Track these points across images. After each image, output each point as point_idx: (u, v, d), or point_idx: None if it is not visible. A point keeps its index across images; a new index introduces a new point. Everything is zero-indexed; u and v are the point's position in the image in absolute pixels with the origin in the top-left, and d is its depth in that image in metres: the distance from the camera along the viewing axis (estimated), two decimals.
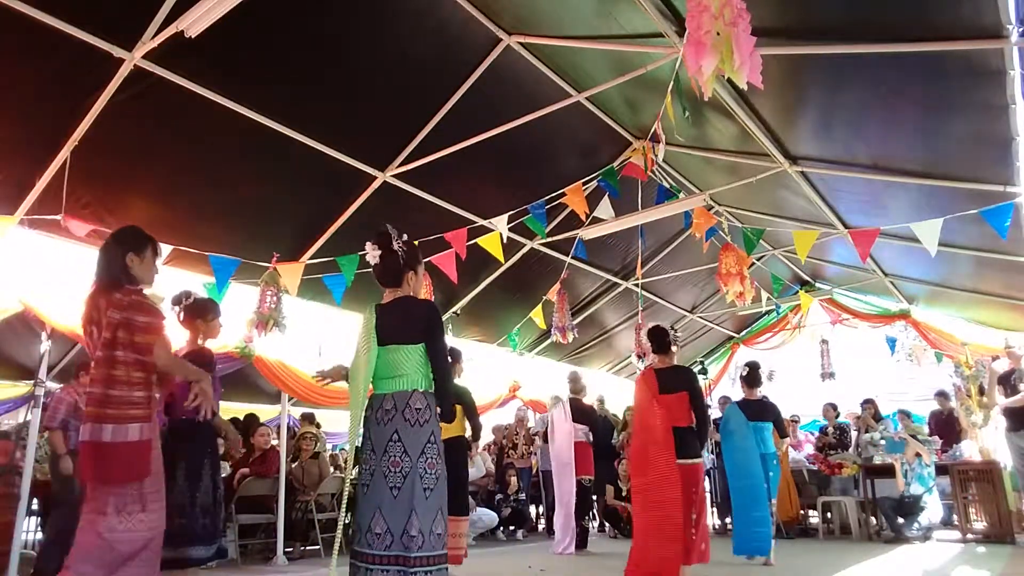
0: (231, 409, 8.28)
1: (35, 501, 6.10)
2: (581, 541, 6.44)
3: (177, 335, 4.24)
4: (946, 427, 7.82)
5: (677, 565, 3.91)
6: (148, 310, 2.73)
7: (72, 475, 5.27)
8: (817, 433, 8.71)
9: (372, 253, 2.85)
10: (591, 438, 6.79)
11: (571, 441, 6.53)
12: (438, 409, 2.78)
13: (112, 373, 2.55)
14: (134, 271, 2.81)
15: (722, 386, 10.70)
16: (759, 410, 5.60)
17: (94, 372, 2.58)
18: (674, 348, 4.50)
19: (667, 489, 4.01)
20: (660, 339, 4.47)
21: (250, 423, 7.41)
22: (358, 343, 2.83)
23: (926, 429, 7.72)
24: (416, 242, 2.96)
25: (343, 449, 10.45)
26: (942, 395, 8.18)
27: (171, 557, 3.54)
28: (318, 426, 8.18)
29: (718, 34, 2.26)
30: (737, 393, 6.29)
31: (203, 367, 3.85)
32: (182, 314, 3.92)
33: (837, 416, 8.48)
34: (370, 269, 2.94)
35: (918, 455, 6.79)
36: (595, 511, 8.64)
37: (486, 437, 9.69)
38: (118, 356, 2.57)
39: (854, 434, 8.30)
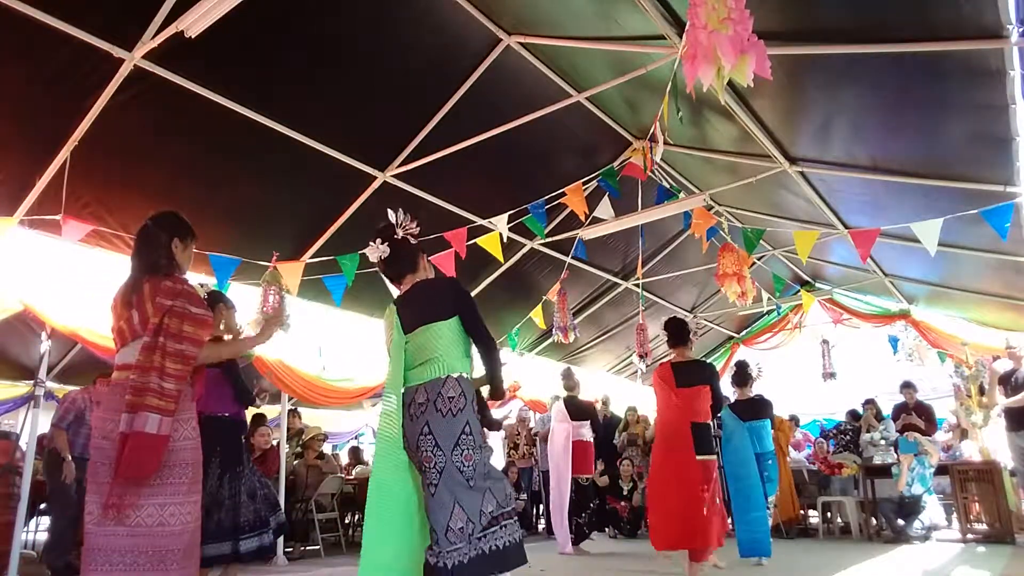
0: None
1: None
2: (577, 538, 6.44)
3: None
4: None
5: (710, 537, 3.93)
6: (201, 301, 2.57)
7: (71, 482, 5.28)
8: (832, 430, 8.67)
9: (380, 248, 2.65)
10: (591, 436, 6.75)
11: (567, 440, 6.51)
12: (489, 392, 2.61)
13: (152, 359, 2.38)
14: (177, 258, 2.65)
15: (722, 386, 10.69)
16: (753, 409, 5.59)
17: (139, 358, 2.38)
18: (693, 339, 4.44)
19: (690, 486, 3.99)
20: (679, 331, 4.36)
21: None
22: (387, 345, 2.66)
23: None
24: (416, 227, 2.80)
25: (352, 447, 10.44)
26: (907, 385, 7.99)
27: None
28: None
29: (707, 43, 2.26)
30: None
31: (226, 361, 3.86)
32: None
33: (856, 418, 8.41)
34: (370, 269, 2.83)
35: (917, 455, 6.79)
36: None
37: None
38: (159, 343, 2.40)
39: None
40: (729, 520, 5.58)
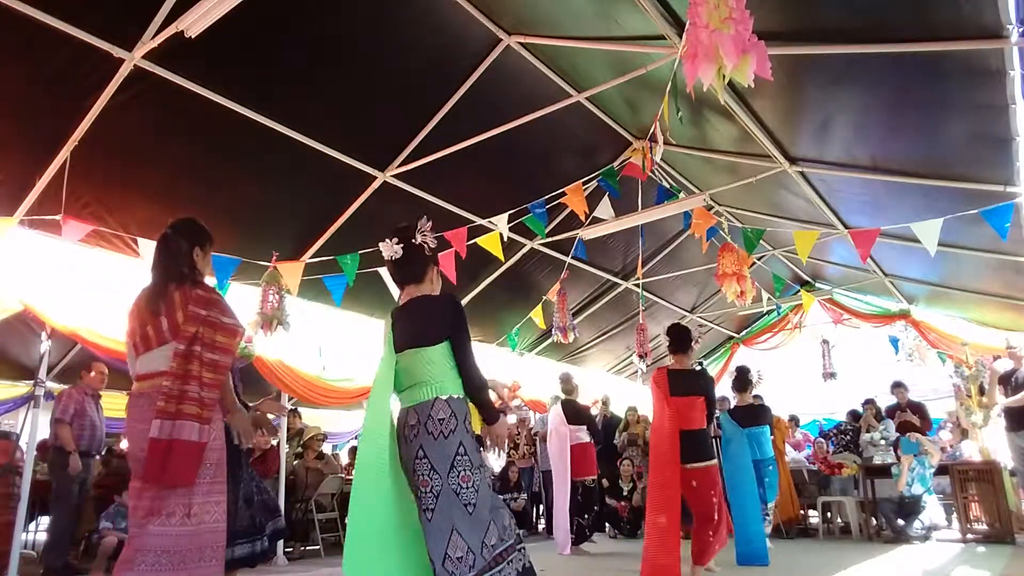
0: None
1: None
2: (577, 538, 6.42)
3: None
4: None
5: (676, 573, 3.89)
6: (230, 311, 2.63)
7: (77, 474, 5.29)
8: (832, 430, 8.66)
9: (393, 248, 2.57)
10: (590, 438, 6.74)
11: (565, 443, 6.51)
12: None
13: (189, 368, 2.44)
14: (198, 265, 2.71)
15: (722, 385, 10.71)
16: (752, 415, 5.57)
17: (174, 366, 2.42)
18: (694, 346, 4.42)
19: (667, 491, 3.98)
20: (680, 338, 4.34)
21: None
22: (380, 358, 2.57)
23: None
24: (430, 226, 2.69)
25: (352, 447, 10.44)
26: (898, 385, 8.00)
27: None
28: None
29: (709, 42, 2.25)
30: None
31: None
32: None
33: (856, 418, 8.42)
34: (370, 269, 2.79)
35: (917, 455, 6.79)
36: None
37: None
38: (195, 352, 2.46)
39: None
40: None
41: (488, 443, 2.64)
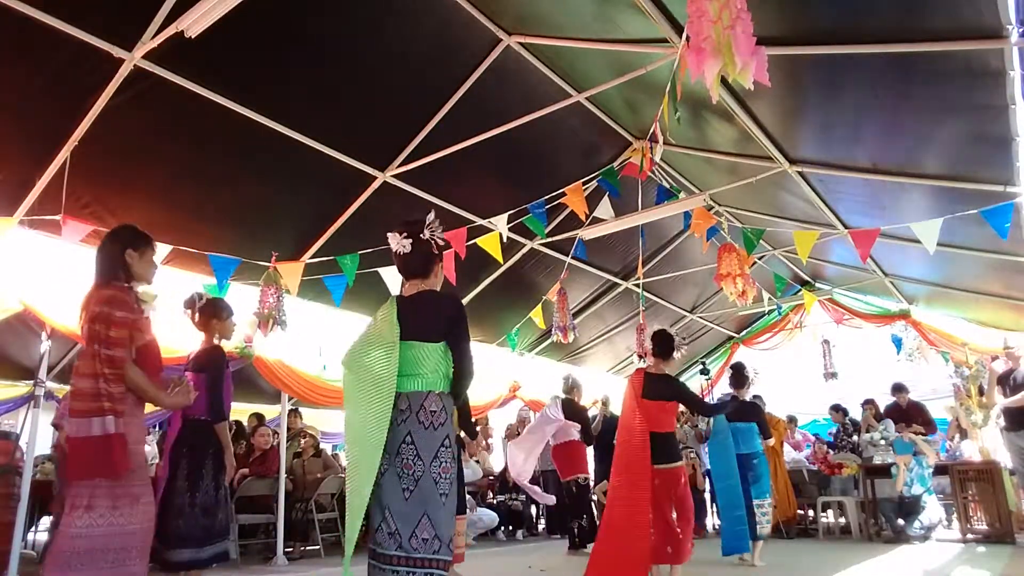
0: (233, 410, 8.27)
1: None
2: (580, 541, 6.35)
3: (188, 336, 4.20)
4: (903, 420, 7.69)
5: (644, 568, 3.93)
6: (126, 305, 2.66)
7: None
8: (824, 436, 8.67)
9: (402, 242, 2.65)
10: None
11: (541, 433, 6.49)
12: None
13: (92, 366, 2.52)
14: (134, 268, 2.78)
15: (722, 385, 10.69)
16: (740, 411, 5.64)
17: (78, 364, 2.55)
18: (676, 355, 4.49)
19: (637, 491, 4.02)
20: (665, 344, 4.43)
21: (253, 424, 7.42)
22: (371, 335, 2.61)
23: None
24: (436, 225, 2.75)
25: (344, 449, 10.42)
26: (899, 388, 8.06)
27: (164, 559, 3.51)
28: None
29: (717, 38, 2.24)
30: None
31: (214, 365, 3.81)
32: (197, 315, 3.90)
33: (846, 415, 8.45)
34: (370, 269, 2.82)
35: (915, 455, 6.79)
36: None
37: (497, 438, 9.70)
38: (95, 349, 2.54)
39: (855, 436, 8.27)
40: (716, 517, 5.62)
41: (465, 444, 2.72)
